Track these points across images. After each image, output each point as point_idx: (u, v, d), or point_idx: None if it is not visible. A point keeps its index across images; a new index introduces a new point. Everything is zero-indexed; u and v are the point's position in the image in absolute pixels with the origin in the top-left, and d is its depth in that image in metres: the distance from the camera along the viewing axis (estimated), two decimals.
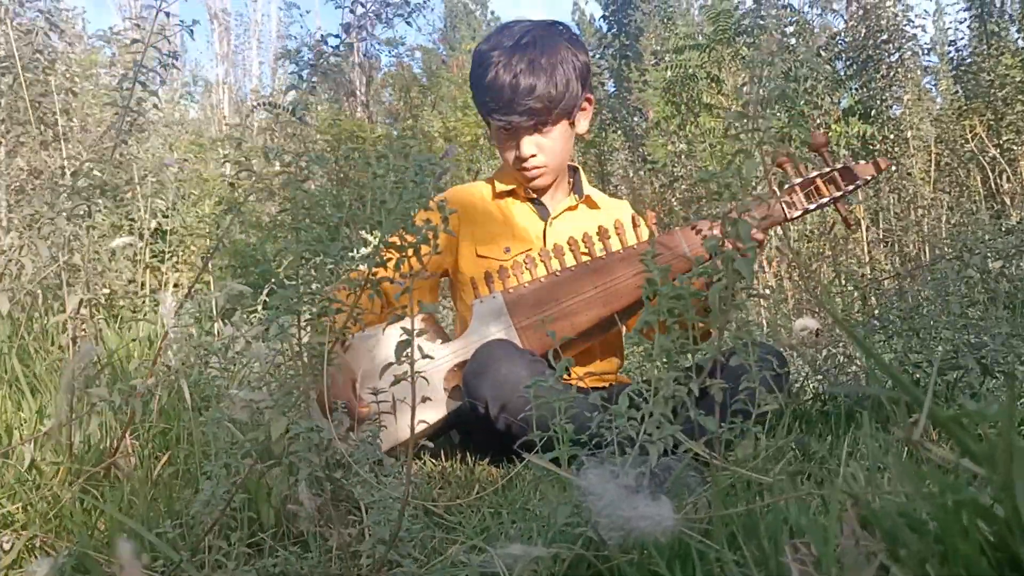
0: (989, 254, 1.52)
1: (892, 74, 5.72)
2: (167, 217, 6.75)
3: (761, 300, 5.33)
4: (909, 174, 5.75)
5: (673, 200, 6.92)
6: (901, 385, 0.39)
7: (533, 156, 1.69)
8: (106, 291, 2.19)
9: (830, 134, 6.05)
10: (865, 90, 6.03)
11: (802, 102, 6.04)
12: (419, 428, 1.49)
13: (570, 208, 1.78)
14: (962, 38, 6.14)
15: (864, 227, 5.56)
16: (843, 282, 5.32)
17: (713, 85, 6.88)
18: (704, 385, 0.82)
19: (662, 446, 0.78)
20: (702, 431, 0.80)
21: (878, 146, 5.86)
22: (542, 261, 1.54)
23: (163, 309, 1.01)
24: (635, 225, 1.55)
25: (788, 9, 6.55)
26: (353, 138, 6.85)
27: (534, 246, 1.71)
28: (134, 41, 1.50)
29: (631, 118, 5.90)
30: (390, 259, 0.81)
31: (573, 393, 1.27)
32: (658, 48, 7.74)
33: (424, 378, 1.51)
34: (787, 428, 1.48)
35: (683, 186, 6.85)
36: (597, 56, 6.23)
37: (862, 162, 1.53)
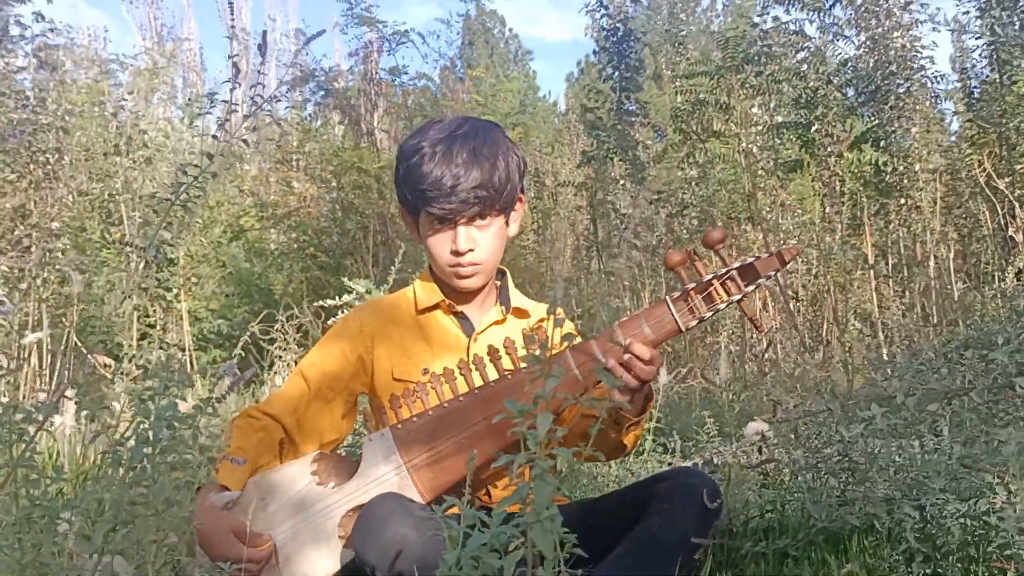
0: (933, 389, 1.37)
1: (901, 104, 5.55)
2: (172, 245, 6.67)
3: (759, 336, 5.16)
4: (918, 207, 5.59)
5: (682, 230, 6.74)
6: None
7: (471, 250, 1.52)
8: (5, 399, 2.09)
9: (842, 162, 5.89)
10: (876, 118, 5.85)
11: (813, 129, 5.87)
12: None
13: (497, 322, 1.62)
14: (973, 66, 5.95)
15: (871, 262, 5.41)
16: (848, 319, 5.15)
17: (722, 112, 6.71)
18: None
19: None
20: None
21: (889, 176, 5.69)
22: (433, 389, 1.40)
23: None
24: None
25: (799, 35, 6.38)
26: (355, 168, 6.78)
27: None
28: None
29: (631, 151, 5.78)
30: None
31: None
32: (669, 73, 7.58)
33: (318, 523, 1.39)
34: None
35: (692, 214, 6.67)
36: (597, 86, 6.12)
37: (764, 256, 1.35)
